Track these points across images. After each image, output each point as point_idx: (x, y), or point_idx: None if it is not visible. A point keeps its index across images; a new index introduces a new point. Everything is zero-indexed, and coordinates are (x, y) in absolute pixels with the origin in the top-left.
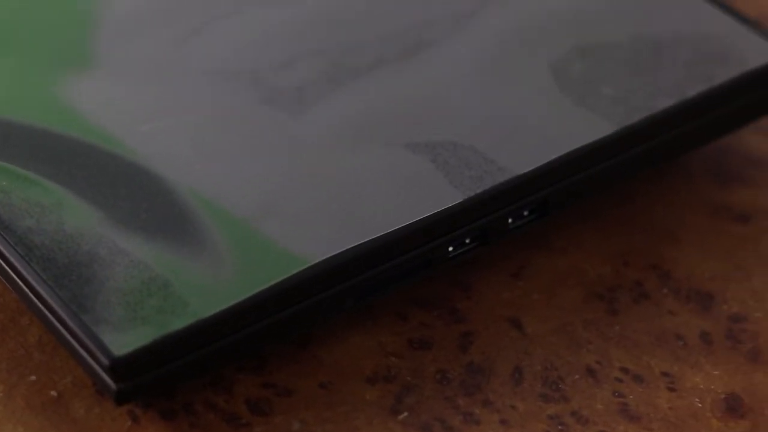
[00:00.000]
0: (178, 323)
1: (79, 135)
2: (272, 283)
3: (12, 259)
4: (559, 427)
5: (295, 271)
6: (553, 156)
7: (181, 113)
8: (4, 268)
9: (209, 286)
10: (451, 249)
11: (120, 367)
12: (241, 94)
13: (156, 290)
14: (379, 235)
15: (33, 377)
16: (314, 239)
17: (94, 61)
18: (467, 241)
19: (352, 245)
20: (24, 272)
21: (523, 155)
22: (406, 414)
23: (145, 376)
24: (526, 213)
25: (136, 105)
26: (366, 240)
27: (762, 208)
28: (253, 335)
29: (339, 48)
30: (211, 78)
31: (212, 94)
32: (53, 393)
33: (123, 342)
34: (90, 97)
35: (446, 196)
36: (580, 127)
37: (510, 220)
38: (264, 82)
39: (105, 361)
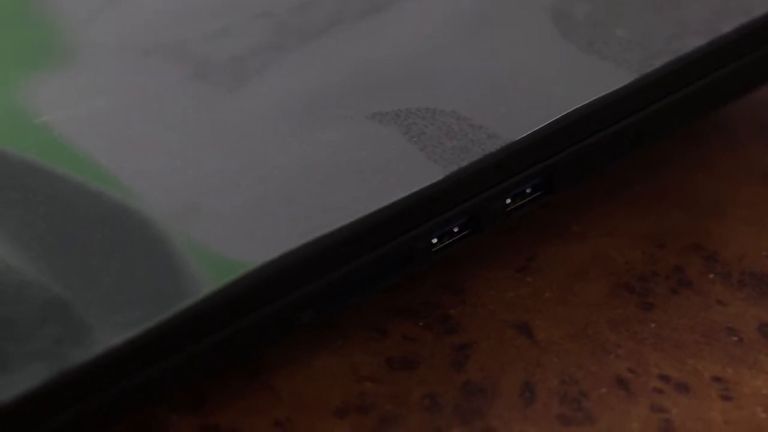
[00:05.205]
0: (81, 354)
1: None
2: (204, 295)
3: None
4: None
5: (233, 278)
6: (557, 115)
7: (92, 96)
8: None
9: (124, 304)
10: (435, 240)
11: (7, 416)
12: (166, 71)
13: (54, 315)
14: (339, 226)
15: None
16: (257, 238)
17: None
18: (455, 229)
19: (306, 241)
20: None
21: (519, 118)
22: None
23: (43, 427)
24: (528, 190)
25: (37, 91)
26: (323, 234)
27: None
28: (186, 363)
29: (284, 8)
30: (129, 54)
31: (132, 72)
32: None
33: (9, 384)
34: None
35: (424, 174)
36: (590, 79)
37: (508, 201)
38: (194, 54)
39: None
